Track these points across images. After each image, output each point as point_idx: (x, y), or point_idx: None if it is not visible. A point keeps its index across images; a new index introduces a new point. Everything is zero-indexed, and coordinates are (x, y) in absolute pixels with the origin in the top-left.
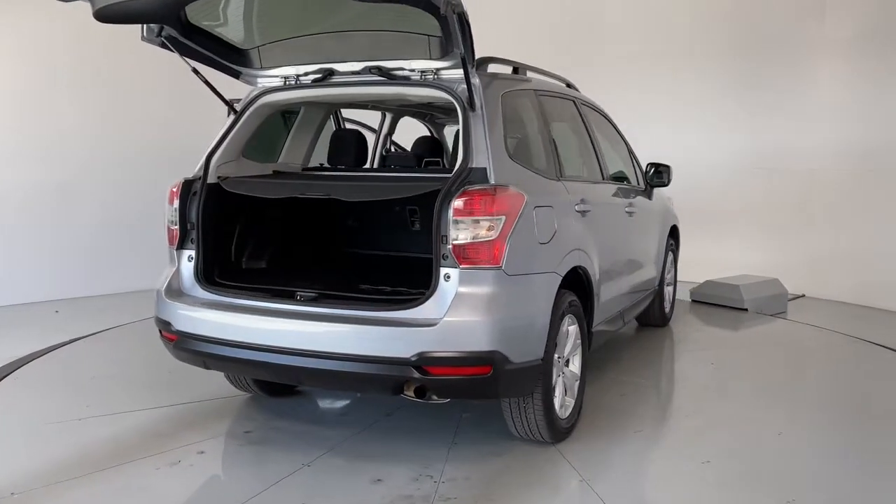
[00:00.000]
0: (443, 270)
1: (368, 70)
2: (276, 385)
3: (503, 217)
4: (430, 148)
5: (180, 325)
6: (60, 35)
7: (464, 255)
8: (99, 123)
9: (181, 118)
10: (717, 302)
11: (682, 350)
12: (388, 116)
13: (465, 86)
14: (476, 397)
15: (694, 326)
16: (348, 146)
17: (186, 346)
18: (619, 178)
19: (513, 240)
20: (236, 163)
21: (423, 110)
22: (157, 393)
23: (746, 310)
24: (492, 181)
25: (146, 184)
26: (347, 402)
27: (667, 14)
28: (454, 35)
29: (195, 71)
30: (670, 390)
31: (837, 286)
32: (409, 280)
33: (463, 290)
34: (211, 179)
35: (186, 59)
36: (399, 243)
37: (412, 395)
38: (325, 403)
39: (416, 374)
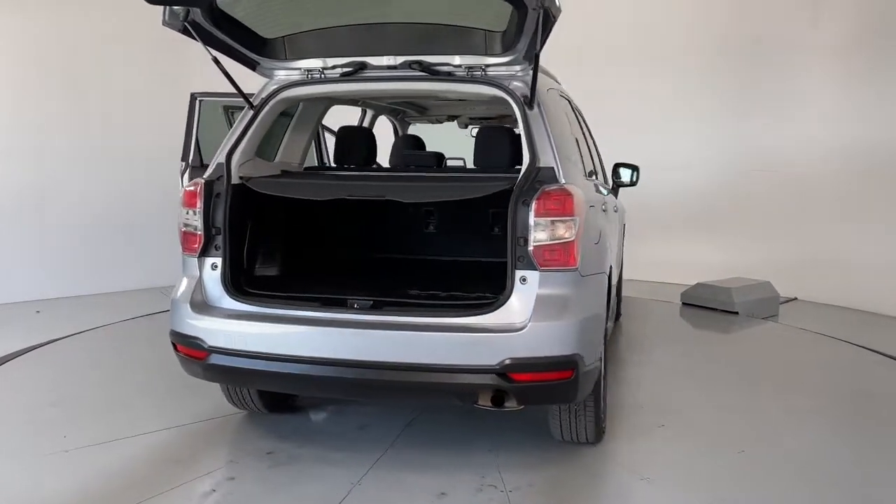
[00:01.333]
0: (518, 273)
1: (408, 65)
2: (279, 401)
3: (577, 218)
4: (417, 147)
5: (214, 340)
6: (44, 35)
7: (544, 257)
8: (81, 124)
9: (162, 119)
10: (708, 305)
11: (658, 344)
12: (369, 114)
13: (519, 83)
14: (553, 402)
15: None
16: (359, 145)
17: (222, 363)
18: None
19: (582, 241)
20: (253, 162)
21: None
22: (143, 413)
23: (738, 313)
24: (561, 181)
25: (129, 184)
26: (357, 413)
27: (655, 14)
28: (536, 31)
29: (216, 61)
30: (668, 382)
31: (829, 289)
32: (459, 284)
33: (543, 292)
34: (234, 180)
35: (208, 47)
36: (440, 247)
37: (488, 403)
38: (334, 417)
39: (501, 382)
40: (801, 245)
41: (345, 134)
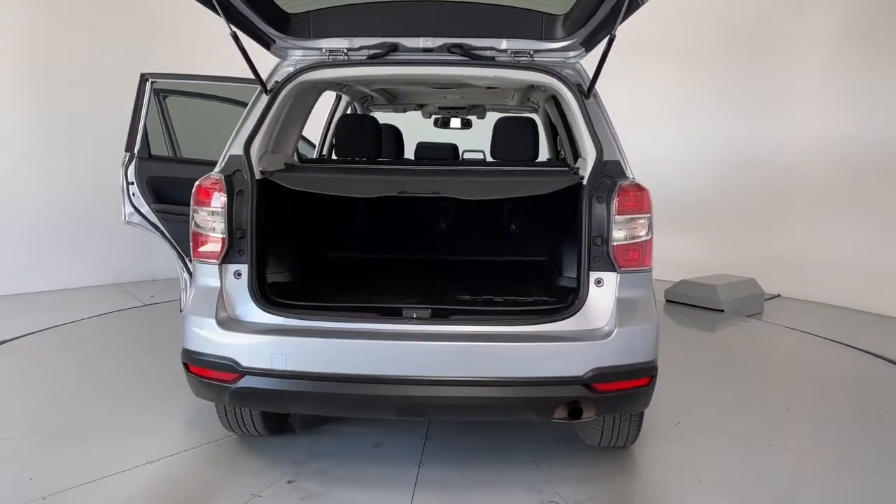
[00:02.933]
0: (594, 275)
1: (447, 48)
2: (281, 422)
3: (650, 215)
4: (397, 138)
5: (250, 360)
6: None
7: (623, 258)
8: (37, 116)
9: (120, 110)
10: (693, 303)
11: None
12: (343, 100)
13: (570, 70)
14: (628, 410)
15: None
16: (366, 135)
17: (258, 386)
18: None
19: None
20: (270, 155)
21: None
22: (129, 441)
23: (723, 311)
24: (630, 176)
25: (85, 177)
26: (362, 429)
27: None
28: (618, 13)
29: (234, 36)
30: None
31: (814, 286)
32: (497, 287)
33: (624, 295)
34: (257, 174)
35: (229, 23)
36: (454, 246)
37: (564, 416)
38: (340, 436)
39: (586, 393)
40: (785, 241)
41: (350, 124)
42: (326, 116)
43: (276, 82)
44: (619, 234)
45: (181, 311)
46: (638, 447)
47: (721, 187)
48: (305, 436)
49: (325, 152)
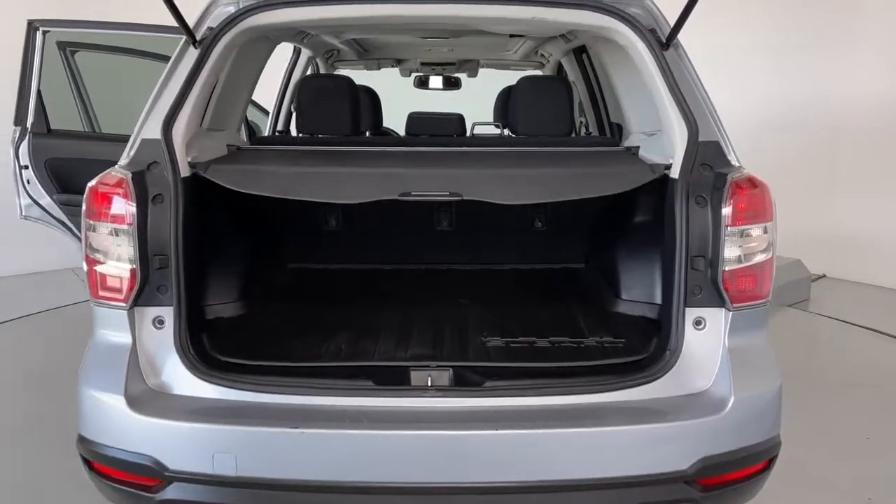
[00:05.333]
0: (692, 312)
1: None
2: None
3: (772, 222)
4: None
5: (181, 461)
6: None
7: (738, 287)
8: None
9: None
10: None
11: None
12: (303, 56)
13: (637, 9)
14: None
15: None
16: (342, 105)
17: (191, 499)
18: None
19: None
20: (202, 135)
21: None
22: None
23: None
24: (735, 163)
25: None
26: None
27: None
28: None
29: None
30: None
31: (863, 265)
32: (550, 315)
33: (737, 343)
34: (183, 169)
35: None
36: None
37: None
38: None
39: (690, 493)
40: (830, 215)
41: (317, 88)
42: (283, 77)
43: (210, 30)
44: (732, 254)
45: None
46: None
47: (759, 154)
48: None
49: (281, 127)
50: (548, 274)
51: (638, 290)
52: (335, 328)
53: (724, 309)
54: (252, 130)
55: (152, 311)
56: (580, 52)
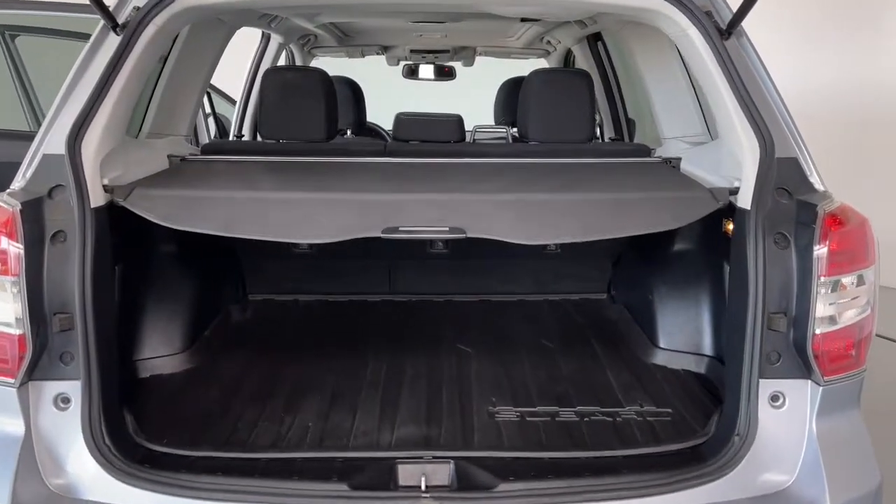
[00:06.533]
0: (767, 385)
1: None
2: None
3: (872, 268)
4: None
5: None
6: None
7: (832, 354)
8: None
9: None
10: None
11: None
12: (274, 42)
13: None
14: None
15: None
16: (313, 102)
17: None
18: None
19: None
20: (130, 146)
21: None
22: None
23: None
24: (820, 188)
25: None
26: None
27: None
28: None
29: None
30: None
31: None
32: (571, 371)
33: (827, 425)
34: (94, 197)
35: None
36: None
37: None
38: None
39: None
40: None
41: (283, 84)
42: (249, 68)
43: (136, 10)
44: (825, 311)
45: None
46: None
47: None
48: None
49: (246, 129)
50: (564, 307)
51: (681, 338)
52: (303, 392)
53: (810, 381)
54: (223, 129)
55: (52, 388)
56: (595, 40)
